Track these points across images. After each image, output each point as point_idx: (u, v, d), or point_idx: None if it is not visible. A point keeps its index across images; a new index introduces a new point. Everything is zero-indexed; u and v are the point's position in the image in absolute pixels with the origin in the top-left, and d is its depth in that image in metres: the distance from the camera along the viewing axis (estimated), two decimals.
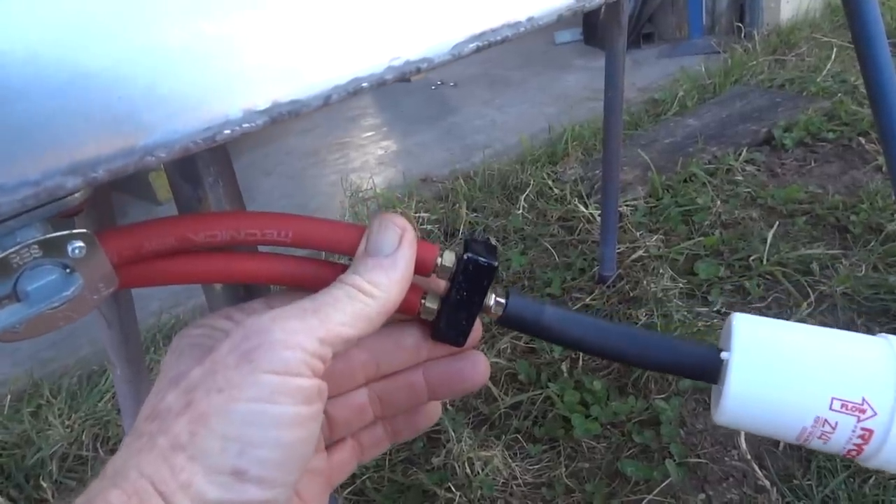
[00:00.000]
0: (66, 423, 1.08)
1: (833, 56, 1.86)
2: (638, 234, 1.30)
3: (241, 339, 0.21)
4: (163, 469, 0.19)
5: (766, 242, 1.17)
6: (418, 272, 0.26)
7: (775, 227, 1.22)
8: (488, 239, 0.24)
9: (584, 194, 1.46)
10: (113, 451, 1.00)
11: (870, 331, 0.97)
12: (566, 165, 1.64)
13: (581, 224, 1.37)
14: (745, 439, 0.79)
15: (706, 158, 1.53)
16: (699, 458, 0.83)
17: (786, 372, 0.25)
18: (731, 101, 1.80)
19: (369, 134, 2.42)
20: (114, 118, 0.20)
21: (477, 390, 0.29)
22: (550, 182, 1.55)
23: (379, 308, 0.23)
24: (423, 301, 0.27)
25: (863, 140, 1.47)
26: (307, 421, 0.21)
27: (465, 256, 0.26)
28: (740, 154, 1.51)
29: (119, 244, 0.23)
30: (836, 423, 0.24)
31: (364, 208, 1.68)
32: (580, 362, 1.01)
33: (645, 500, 0.79)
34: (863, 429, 0.24)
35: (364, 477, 0.89)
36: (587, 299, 1.14)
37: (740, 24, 2.38)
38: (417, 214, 1.52)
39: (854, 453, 0.25)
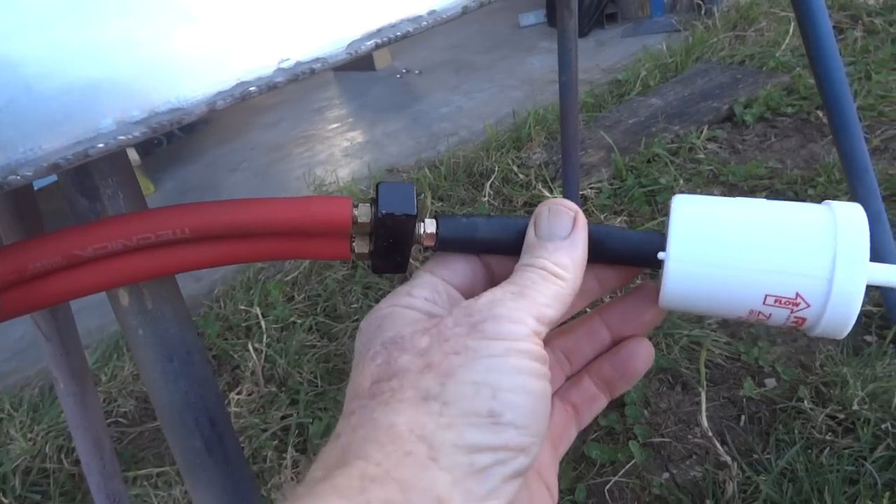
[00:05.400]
0: (29, 435, 1.05)
1: (791, 30, 1.87)
2: (602, 216, 1.31)
3: (463, 316, 0.22)
4: (419, 415, 0.19)
5: None
6: (337, 229, 0.25)
7: None
8: (406, 182, 0.23)
9: (548, 179, 1.46)
10: (78, 462, 0.99)
11: None
12: (530, 150, 1.64)
13: None
14: (707, 417, 0.80)
15: (669, 137, 1.54)
16: (663, 437, 0.84)
17: (722, 264, 0.24)
18: (692, 79, 1.81)
19: (335, 125, 2.39)
20: None
21: (657, 324, 0.29)
22: (515, 167, 1.55)
23: (571, 290, 0.24)
24: (352, 245, 0.26)
25: (820, 113, 1.49)
26: (543, 377, 0.21)
27: (379, 213, 0.25)
28: (702, 132, 1.52)
29: None
30: (770, 314, 0.24)
31: None
32: None
33: (610, 482, 0.80)
34: (796, 318, 0.24)
35: None
36: None
37: (700, 2, 2.39)
38: None
39: (793, 328, 0.25)
